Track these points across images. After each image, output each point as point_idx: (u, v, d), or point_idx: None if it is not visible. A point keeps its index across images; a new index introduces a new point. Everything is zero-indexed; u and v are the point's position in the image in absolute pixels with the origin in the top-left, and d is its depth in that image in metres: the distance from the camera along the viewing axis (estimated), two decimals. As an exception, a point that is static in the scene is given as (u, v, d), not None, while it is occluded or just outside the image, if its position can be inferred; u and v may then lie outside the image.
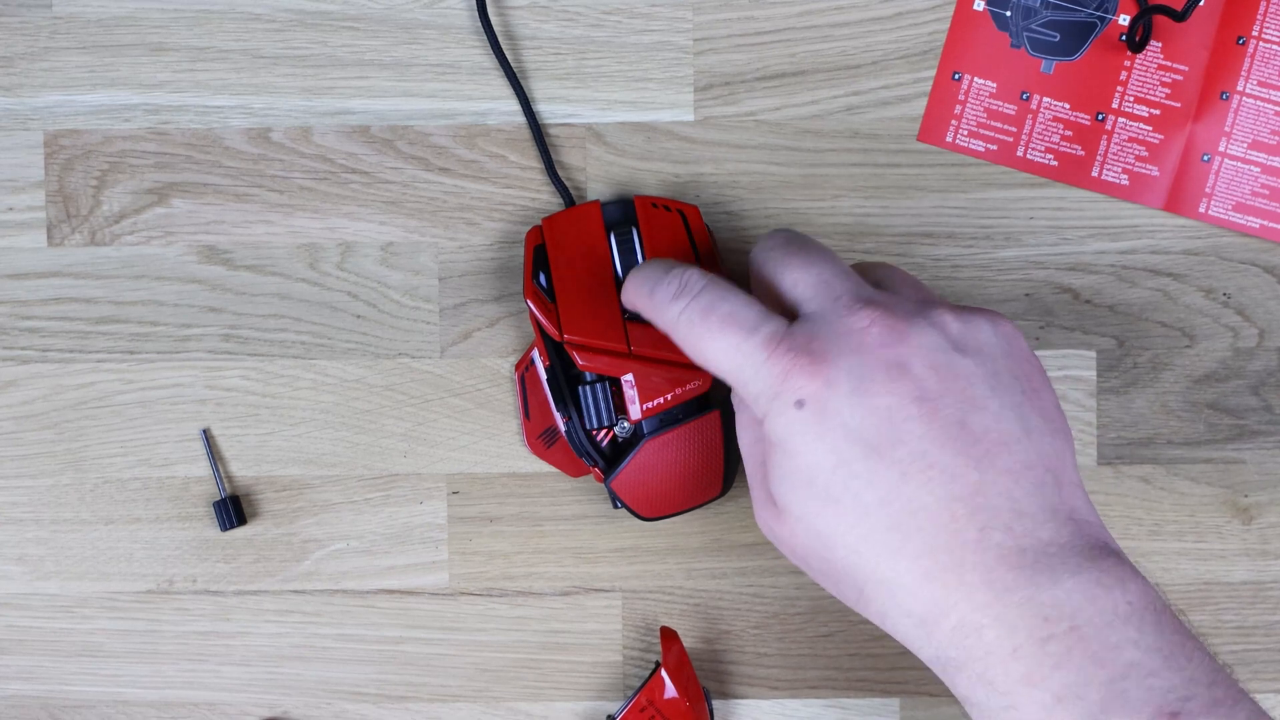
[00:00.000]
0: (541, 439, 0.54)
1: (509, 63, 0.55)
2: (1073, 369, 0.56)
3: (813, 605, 0.56)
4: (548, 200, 0.56)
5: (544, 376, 0.53)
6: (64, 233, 0.55)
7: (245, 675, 0.56)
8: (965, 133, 0.56)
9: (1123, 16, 0.55)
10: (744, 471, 0.49)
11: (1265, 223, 0.55)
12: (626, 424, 0.52)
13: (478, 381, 0.56)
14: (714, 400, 0.53)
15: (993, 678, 0.40)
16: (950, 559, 0.40)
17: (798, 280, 0.45)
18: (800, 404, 0.42)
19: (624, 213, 0.53)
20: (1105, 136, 0.55)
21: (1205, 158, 0.55)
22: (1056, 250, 0.56)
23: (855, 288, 0.44)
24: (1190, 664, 0.40)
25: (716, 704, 0.56)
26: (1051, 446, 0.42)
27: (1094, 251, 0.56)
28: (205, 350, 0.56)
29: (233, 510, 0.55)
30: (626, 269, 0.52)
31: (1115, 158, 0.55)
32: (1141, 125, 0.55)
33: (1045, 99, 0.55)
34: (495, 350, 0.56)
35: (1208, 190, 0.55)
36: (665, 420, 0.52)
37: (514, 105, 0.55)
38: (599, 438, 0.52)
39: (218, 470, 0.56)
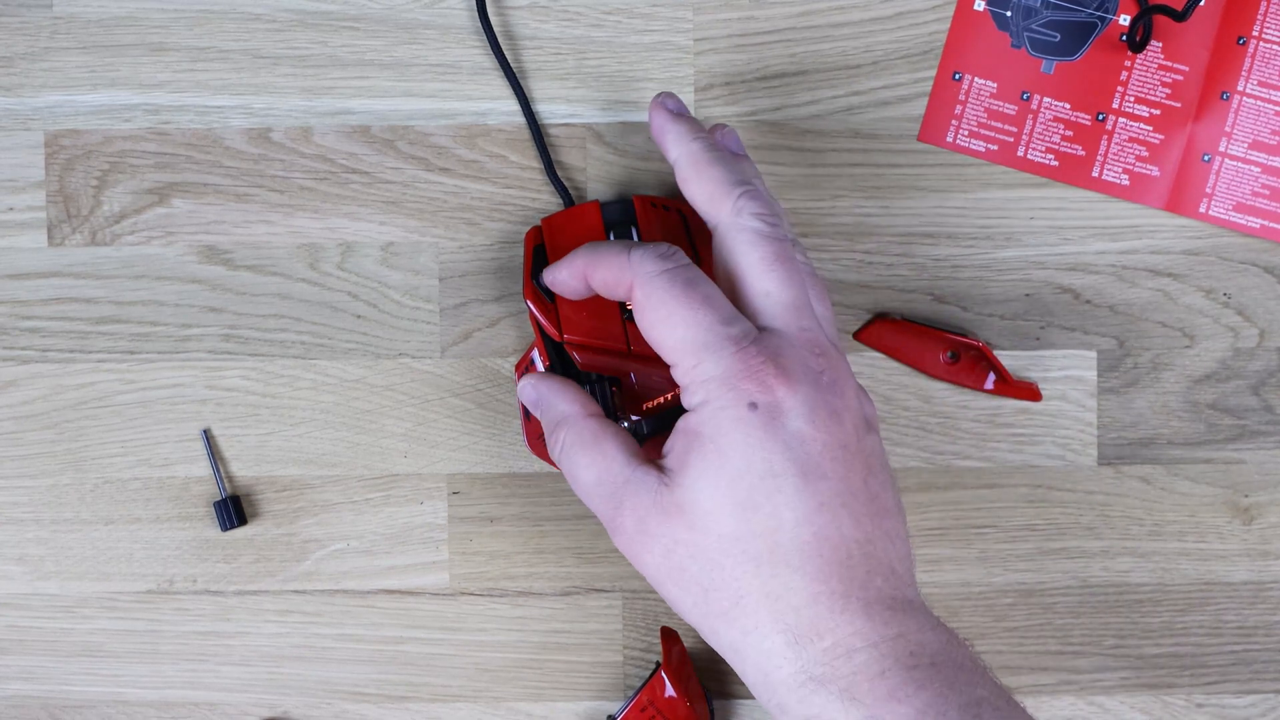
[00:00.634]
0: (542, 439, 0.54)
1: (508, 63, 0.55)
2: (1073, 369, 0.56)
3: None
4: (548, 200, 0.56)
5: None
6: (64, 233, 0.55)
7: (245, 675, 0.56)
8: (965, 133, 0.56)
9: (1123, 16, 0.55)
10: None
11: (1265, 223, 0.55)
12: (627, 423, 0.52)
13: (478, 381, 0.56)
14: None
15: (858, 694, 0.42)
16: (840, 588, 0.43)
17: (773, 292, 0.45)
18: (754, 406, 0.43)
19: (623, 212, 0.53)
20: (1106, 136, 0.55)
21: (1205, 158, 0.55)
22: (1057, 250, 0.56)
23: (816, 323, 0.46)
24: (1025, 716, 0.44)
25: (716, 704, 0.56)
26: (905, 530, 0.46)
27: (1094, 251, 0.56)
28: (205, 350, 0.56)
29: (233, 510, 0.55)
30: None
31: (1115, 158, 0.55)
32: (1142, 125, 0.55)
33: (1046, 99, 0.55)
34: (495, 350, 0.56)
35: (1208, 190, 0.55)
36: (665, 419, 0.52)
37: (514, 105, 0.55)
38: None
39: (218, 470, 0.56)
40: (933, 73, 0.55)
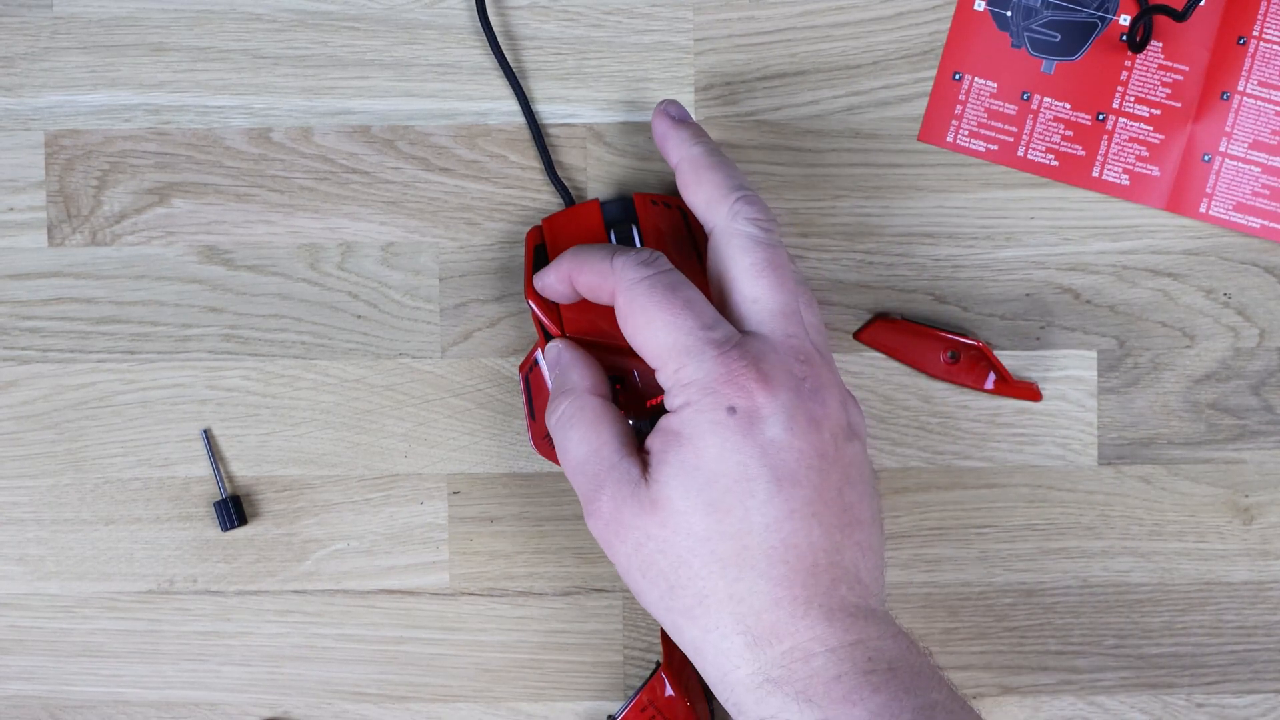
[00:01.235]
0: (547, 439, 0.54)
1: (508, 63, 0.55)
2: (1073, 369, 0.56)
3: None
4: (548, 200, 0.56)
5: (548, 377, 0.53)
6: (64, 233, 0.55)
7: (246, 675, 0.56)
8: (966, 133, 0.56)
9: (1123, 16, 0.55)
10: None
11: (1266, 223, 0.55)
12: (631, 422, 0.52)
13: (478, 381, 0.56)
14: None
15: (813, 695, 0.43)
16: (803, 594, 0.44)
17: (761, 298, 0.46)
18: (732, 410, 0.44)
19: (624, 210, 0.53)
20: (1106, 136, 0.55)
21: (1206, 158, 0.55)
22: (1057, 250, 0.56)
23: (802, 330, 0.46)
24: (979, 716, 0.46)
25: (717, 703, 0.56)
26: (882, 540, 0.47)
27: (1094, 251, 0.56)
28: (206, 350, 0.56)
29: (233, 510, 0.55)
30: None
31: (1116, 158, 0.55)
32: (1142, 125, 0.55)
33: (1046, 99, 0.55)
34: (496, 350, 0.56)
35: (1208, 190, 0.55)
36: None
37: (514, 105, 0.55)
38: None
39: (218, 470, 0.56)
40: (933, 73, 0.56)
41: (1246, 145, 0.55)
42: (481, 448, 0.56)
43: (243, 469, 0.56)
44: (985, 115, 0.56)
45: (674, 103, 0.51)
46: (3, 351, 0.56)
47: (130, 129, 0.55)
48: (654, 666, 0.55)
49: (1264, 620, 0.56)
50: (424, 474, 0.56)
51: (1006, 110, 0.56)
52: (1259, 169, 0.55)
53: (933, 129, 0.56)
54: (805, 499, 0.44)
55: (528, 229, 0.55)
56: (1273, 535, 0.56)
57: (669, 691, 0.53)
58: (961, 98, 0.55)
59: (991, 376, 0.55)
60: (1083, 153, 0.56)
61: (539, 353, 0.53)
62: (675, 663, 0.54)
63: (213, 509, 0.56)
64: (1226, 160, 0.55)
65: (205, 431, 0.56)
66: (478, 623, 0.56)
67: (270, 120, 0.55)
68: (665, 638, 0.54)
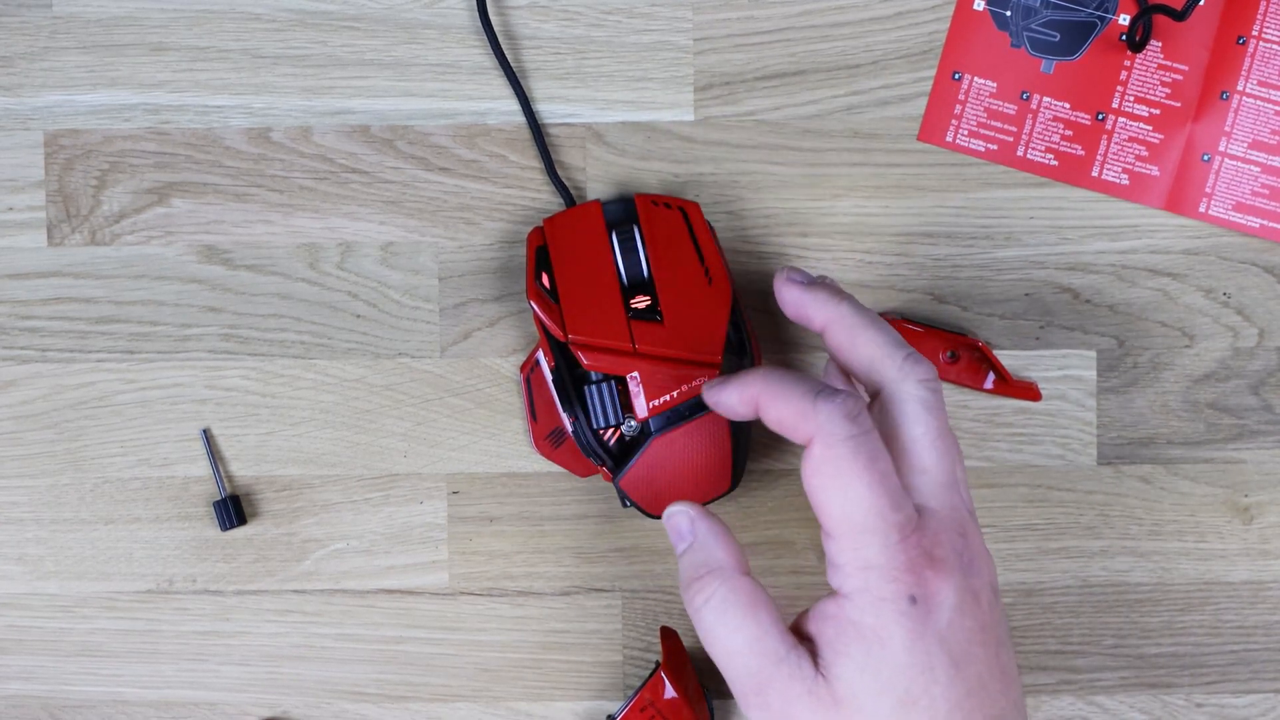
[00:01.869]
0: (549, 440, 0.54)
1: (508, 62, 0.55)
2: (1073, 369, 0.56)
3: (813, 604, 0.56)
4: (548, 200, 0.56)
5: (549, 377, 0.53)
6: (64, 232, 0.55)
7: (245, 675, 0.56)
8: (965, 132, 0.56)
9: (1123, 16, 0.55)
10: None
11: (1265, 222, 0.55)
12: (634, 422, 0.52)
13: (478, 381, 0.56)
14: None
15: None
16: None
17: (930, 469, 0.45)
18: (913, 600, 0.43)
19: (625, 211, 0.53)
20: (1105, 136, 0.55)
21: (1205, 157, 0.55)
22: (1056, 250, 0.56)
23: (961, 500, 0.46)
24: None
25: (716, 704, 0.56)
26: (1021, 686, 0.47)
27: (1094, 251, 0.56)
28: (205, 350, 0.56)
29: (233, 510, 0.55)
30: (628, 267, 0.52)
31: (1115, 157, 0.55)
32: (1141, 125, 0.55)
33: (1045, 99, 0.55)
34: (495, 350, 0.56)
35: (1208, 190, 0.55)
36: (672, 417, 0.52)
37: (514, 105, 0.55)
38: (606, 437, 0.52)
39: (218, 470, 0.56)
40: (932, 72, 0.56)
41: (1246, 145, 0.55)
42: (481, 447, 0.56)
43: (242, 469, 0.56)
44: (985, 115, 0.56)
45: (795, 269, 0.49)
46: (2, 351, 0.56)
47: (130, 129, 0.55)
48: (654, 666, 0.55)
49: (1263, 620, 0.56)
50: (423, 474, 0.56)
51: (1006, 110, 0.56)
52: (1258, 169, 0.55)
53: (932, 129, 0.56)
54: (976, 675, 0.44)
55: (528, 229, 0.55)
56: (1272, 535, 0.56)
57: (669, 691, 0.53)
58: (961, 97, 0.55)
59: (991, 376, 0.55)
60: (1082, 152, 0.56)
61: (540, 354, 0.53)
62: (675, 663, 0.54)
63: (212, 509, 0.56)
64: (1226, 160, 0.55)
65: (205, 431, 0.56)
66: (477, 622, 0.56)
67: (270, 120, 0.55)
68: (665, 637, 0.54)
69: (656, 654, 0.56)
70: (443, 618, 0.56)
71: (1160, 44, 0.55)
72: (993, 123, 0.56)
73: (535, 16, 0.55)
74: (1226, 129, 0.55)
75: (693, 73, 0.55)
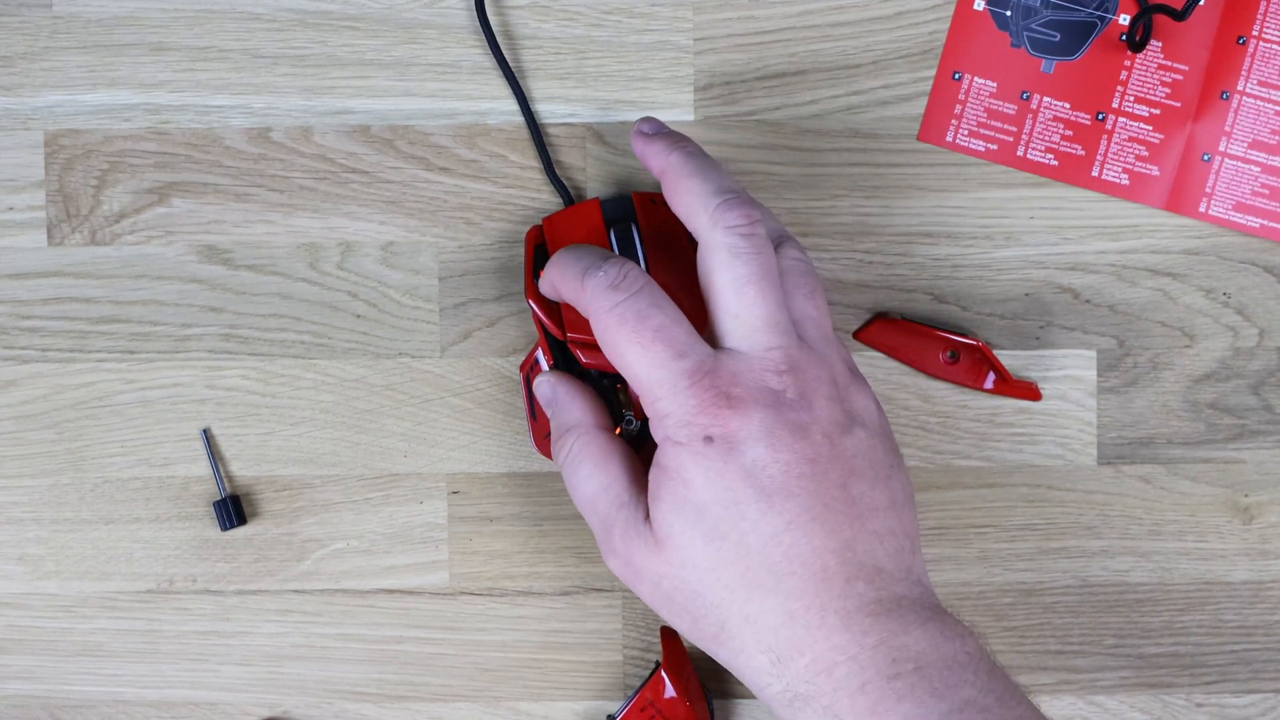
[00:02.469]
0: (548, 438, 0.54)
1: (507, 62, 0.55)
2: (1073, 369, 0.56)
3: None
4: (548, 200, 0.56)
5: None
6: (64, 232, 0.55)
7: (245, 675, 0.56)
8: (965, 132, 0.56)
9: (1123, 16, 0.55)
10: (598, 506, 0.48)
11: (1265, 222, 0.55)
12: (634, 420, 0.52)
13: (478, 381, 0.56)
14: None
15: (839, 710, 0.43)
16: (816, 603, 0.44)
17: (742, 314, 0.45)
18: (709, 440, 0.44)
19: (623, 209, 0.53)
20: (1105, 136, 0.55)
21: (1205, 157, 0.55)
22: (1056, 250, 0.56)
23: (786, 338, 0.45)
24: (1019, 705, 0.44)
25: (716, 704, 0.56)
26: (907, 517, 0.46)
27: (1094, 251, 0.56)
28: (205, 350, 0.56)
29: (233, 510, 0.55)
30: None
31: (1115, 157, 0.55)
32: (1141, 125, 0.55)
33: (1045, 98, 0.55)
34: (495, 350, 0.56)
35: (1208, 190, 0.55)
36: None
37: (514, 105, 0.55)
38: None
39: (218, 470, 0.56)
40: (932, 72, 0.56)
41: (1246, 145, 0.55)
42: (481, 447, 0.56)
43: (242, 468, 0.56)
44: (985, 115, 0.56)
45: (648, 120, 0.51)
46: (2, 351, 0.56)
47: (130, 128, 0.55)
48: (654, 666, 0.55)
49: (1263, 620, 0.56)
50: (423, 474, 0.56)
51: (1006, 110, 0.56)
52: (1258, 168, 0.55)
53: (932, 129, 0.56)
54: (801, 506, 0.44)
55: (527, 228, 0.55)
56: (1272, 535, 0.56)
57: (669, 691, 0.53)
58: (961, 97, 0.55)
59: (991, 376, 0.55)
60: (1082, 152, 0.56)
61: (539, 355, 0.53)
62: (675, 662, 0.54)
63: (212, 509, 0.56)
64: (1226, 160, 0.55)
65: (205, 431, 0.56)
66: (477, 622, 0.56)
67: (270, 120, 0.55)
68: (665, 637, 0.54)
69: (656, 654, 0.56)
70: (443, 618, 0.56)
71: (1160, 44, 0.55)
72: (993, 123, 0.56)
73: (535, 16, 0.55)
74: (1226, 129, 0.55)
75: (693, 73, 0.55)
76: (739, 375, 0.44)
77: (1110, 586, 0.56)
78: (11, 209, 0.55)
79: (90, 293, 0.56)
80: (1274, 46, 0.55)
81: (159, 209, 0.55)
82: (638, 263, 0.52)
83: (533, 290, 0.52)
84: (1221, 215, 0.55)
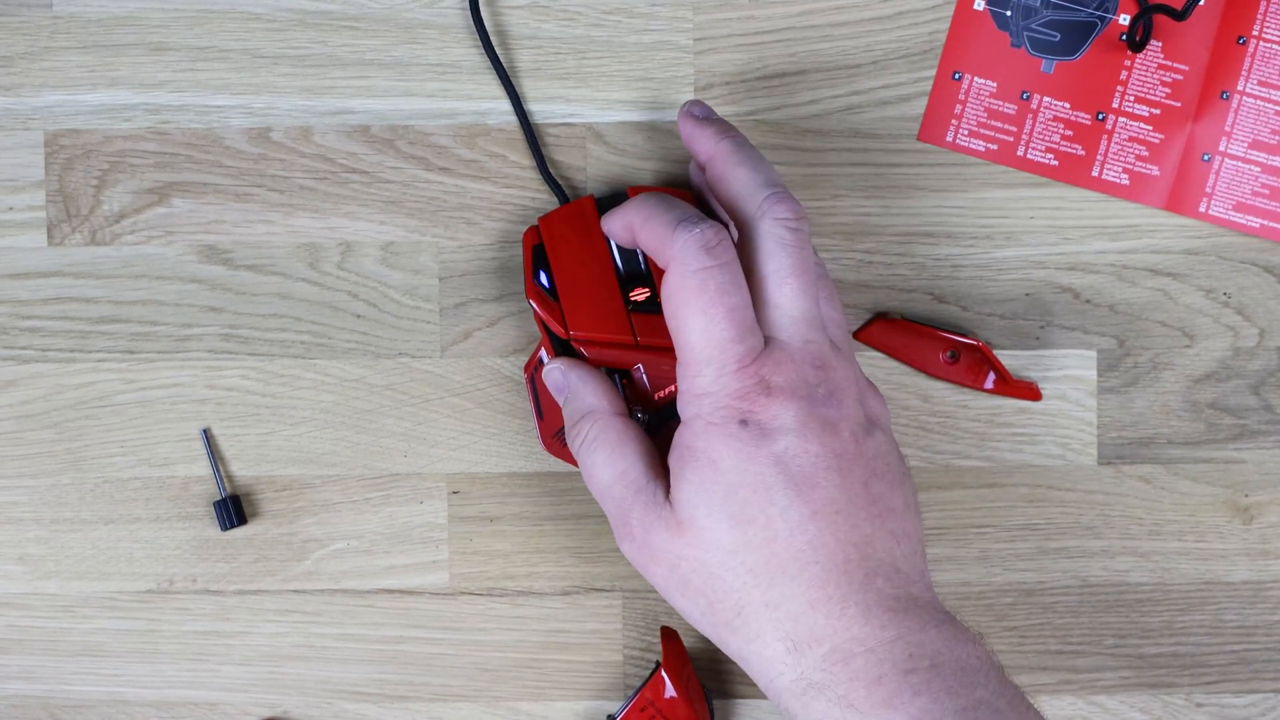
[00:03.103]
0: (557, 438, 0.54)
1: (500, 60, 0.55)
2: (1073, 369, 0.56)
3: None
4: (548, 200, 0.56)
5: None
6: (64, 232, 0.55)
7: (245, 675, 0.56)
8: (965, 132, 0.56)
9: (1123, 16, 0.55)
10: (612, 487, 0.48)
11: (1265, 222, 0.55)
12: (640, 416, 0.52)
13: (478, 381, 0.56)
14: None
15: (855, 700, 0.43)
16: (837, 593, 0.44)
17: (784, 304, 0.46)
18: (744, 423, 0.44)
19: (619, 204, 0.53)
20: (1105, 136, 0.55)
21: (1205, 157, 0.55)
22: (1056, 250, 0.56)
23: (821, 334, 0.46)
24: (1030, 713, 0.44)
25: (716, 704, 0.56)
26: (918, 523, 0.47)
27: (1094, 251, 0.56)
28: (205, 350, 0.56)
29: (233, 510, 0.55)
30: (625, 261, 0.52)
31: (1115, 157, 0.55)
32: (1142, 125, 0.55)
33: (1045, 98, 0.55)
34: (495, 350, 0.56)
35: (1208, 190, 0.55)
36: (675, 410, 0.51)
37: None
38: None
39: (218, 470, 0.56)
40: (932, 72, 0.56)
41: (1246, 145, 0.55)
42: (481, 447, 0.56)
43: (242, 468, 0.56)
44: (985, 115, 0.56)
45: (698, 103, 0.51)
46: (2, 351, 0.56)
47: (130, 128, 0.55)
48: (654, 666, 0.55)
49: (1263, 620, 0.56)
50: (424, 474, 0.56)
51: (1006, 110, 0.56)
52: (1259, 168, 0.55)
53: (932, 129, 0.56)
54: (827, 498, 0.44)
55: (527, 229, 0.55)
56: (1272, 535, 0.56)
57: (669, 691, 0.53)
58: (961, 97, 0.55)
59: (991, 376, 0.55)
60: (1082, 152, 0.56)
61: (543, 353, 0.53)
62: (675, 662, 0.54)
63: (212, 509, 0.56)
64: (1226, 160, 0.55)
65: (205, 431, 0.56)
66: (477, 622, 0.56)
67: (270, 120, 0.55)
68: (665, 637, 0.54)
69: (656, 654, 0.56)
70: (443, 618, 0.56)
71: (1160, 44, 0.55)
72: (993, 123, 0.56)
73: (535, 16, 0.55)
74: (1227, 129, 0.55)
75: (693, 73, 0.55)
76: (780, 365, 0.45)
77: (1110, 586, 0.56)
78: (11, 209, 0.55)
79: (90, 293, 0.56)
80: (1274, 46, 0.55)
81: (159, 209, 0.55)
82: (639, 260, 0.52)
83: (533, 290, 0.52)
84: (1221, 215, 0.55)
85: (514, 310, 0.56)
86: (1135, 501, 0.56)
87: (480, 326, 0.56)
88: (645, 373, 0.51)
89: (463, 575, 0.56)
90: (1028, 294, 0.56)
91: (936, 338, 0.55)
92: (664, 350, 0.51)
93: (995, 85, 0.55)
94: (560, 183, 0.55)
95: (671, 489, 0.45)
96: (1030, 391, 0.55)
